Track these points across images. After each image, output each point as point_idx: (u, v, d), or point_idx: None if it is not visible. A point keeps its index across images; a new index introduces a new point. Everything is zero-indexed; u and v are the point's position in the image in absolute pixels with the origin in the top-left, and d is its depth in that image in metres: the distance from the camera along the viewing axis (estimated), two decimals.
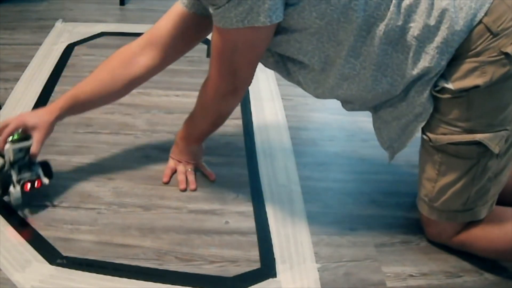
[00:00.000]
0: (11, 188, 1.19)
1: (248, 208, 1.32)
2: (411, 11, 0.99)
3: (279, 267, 1.16)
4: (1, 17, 2.22)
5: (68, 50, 1.98)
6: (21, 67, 1.85)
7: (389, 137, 1.17)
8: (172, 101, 1.73)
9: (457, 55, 1.01)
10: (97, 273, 1.10)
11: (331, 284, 1.13)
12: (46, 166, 1.26)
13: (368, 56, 1.03)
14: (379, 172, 1.47)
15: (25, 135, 1.22)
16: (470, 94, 1.02)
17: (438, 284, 1.15)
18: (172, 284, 1.10)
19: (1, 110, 1.61)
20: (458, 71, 1.01)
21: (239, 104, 1.70)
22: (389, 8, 0.98)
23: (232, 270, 1.14)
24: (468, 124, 1.04)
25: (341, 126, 1.67)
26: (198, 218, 1.28)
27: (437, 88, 1.04)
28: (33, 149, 1.21)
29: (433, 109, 1.07)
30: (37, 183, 1.22)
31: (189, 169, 1.37)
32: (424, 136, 1.12)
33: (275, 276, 1.13)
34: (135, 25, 2.24)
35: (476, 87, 1.00)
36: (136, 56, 1.25)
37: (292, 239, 1.23)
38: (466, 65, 1.00)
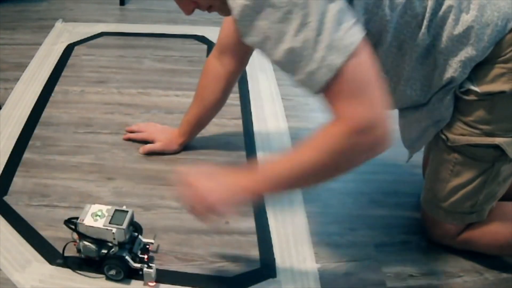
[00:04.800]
0: (145, 269, 1.07)
1: (248, 208, 1.32)
2: (438, 27, 0.96)
3: (279, 267, 1.16)
4: (1, 17, 2.22)
5: (68, 50, 1.98)
6: (21, 67, 1.84)
7: (410, 137, 1.17)
8: (172, 101, 1.73)
9: (485, 60, 0.99)
10: (97, 273, 1.10)
11: (331, 284, 1.13)
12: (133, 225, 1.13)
13: (398, 72, 1.02)
14: (379, 172, 1.47)
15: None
16: (495, 98, 1.01)
17: (438, 284, 1.15)
18: (172, 284, 1.10)
19: (1, 110, 1.61)
20: (486, 75, 1.00)
21: (239, 104, 1.71)
22: (419, 26, 0.95)
23: (232, 270, 1.14)
24: (489, 127, 1.03)
25: None
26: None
27: (462, 89, 1.03)
28: (148, 148, 1.46)
29: (455, 109, 1.06)
30: (149, 246, 1.14)
31: (226, 222, 1.20)
32: (442, 135, 1.10)
33: (275, 276, 1.13)
34: (135, 25, 2.24)
35: (502, 92, 0.99)
36: (219, 68, 1.35)
37: (292, 239, 1.23)
38: (495, 70, 0.99)
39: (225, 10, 0.92)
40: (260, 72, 1.88)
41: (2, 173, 1.37)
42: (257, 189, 0.93)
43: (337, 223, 1.29)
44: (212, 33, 2.17)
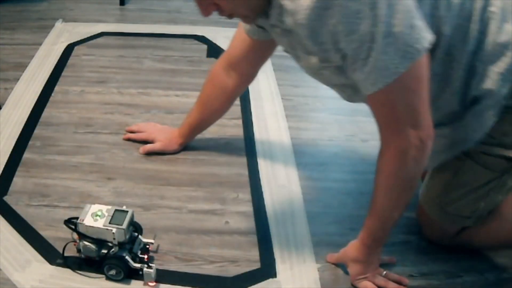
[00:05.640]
0: (145, 269, 1.07)
1: (248, 208, 1.32)
2: (482, 33, 0.94)
3: (279, 267, 1.16)
4: (1, 17, 2.22)
5: (68, 50, 1.98)
6: (21, 67, 1.84)
7: (433, 149, 1.11)
8: (172, 101, 1.73)
9: None
10: (97, 273, 1.10)
11: (331, 284, 1.13)
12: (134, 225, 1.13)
13: (445, 79, 0.99)
14: None
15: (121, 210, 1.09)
16: None
17: (438, 284, 1.15)
18: (172, 284, 1.10)
19: (1, 110, 1.61)
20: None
21: (239, 104, 1.71)
22: (467, 30, 0.93)
23: (232, 270, 1.14)
24: (508, 139, 1.03)
25: (341, 126, 1.67)
26: (198, 218, 1.28)
27: None
28: (148, 148, 1.45)
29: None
30: (149, 246, 1.13)
31: (383, 274, 1.13)
32: None
33: (275, 276, 1.14)
34: (135, 25, 2.24)
35: None
36: (224, 79, 1.33)
37: (292, 239, 1.23)
38: None
39: (250, 18, 0.92)
40: (260, 72, 1.88)
41: (2, 173, 1.37)
42: (374, 252, 1.09)
43: (337, 223, 1.29)
44: (212, 33, 2.18)
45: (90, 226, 1.05)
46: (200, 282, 1.11)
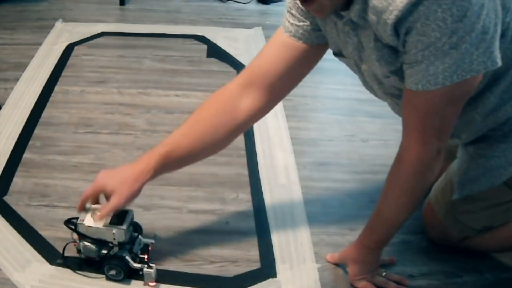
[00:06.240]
0: (145, 269, 1.06)
1: (248, 208, 1.32)
2: None
3: (279, 267, 1.16)
4: (1, 17, 2.22)
5: (68, 50, 1.98)
6: (21, 67, 1.84)
7: (467, 173, 1.07)
8: (172, 101, 1.73)
9: None
10: (97, 273, 1.10)
11: (331, 284, 1.13)
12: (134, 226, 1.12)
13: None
14: (379, 172, 1.47)
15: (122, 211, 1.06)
16: None
17: (438, 284, 1.15)
18: (172, 284, 1.10)
19: (1, 110, 1.61)
20: None
21: None
22: None
23: (232, 270, 1.14)
24: None
25: (341, 126, 1.67)
26: (198, 218, 1.28)
27: None
28: (103, 212, 1.03)
29: None
30: (150, 247, 1.12)
31: (383, 274, 1.12)
32: None
33: (275, 276, 1.13)
34: (135, 25, 2.24)
35: None
36: (237, 99, 1.04)
37: (292, 239, 1.23)
38: None
39: (327, 9, 0.85)
40: None
41: (2, 173, 1.37)
42: (374, 252, 1.09)
43: (337, 223, 1.29)
44: (212, 33, 2.18)
45: (90, 227, 1.05)
46: (200, 282, 1.11)
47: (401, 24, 0.79)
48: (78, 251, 1.10)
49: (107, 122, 1.60)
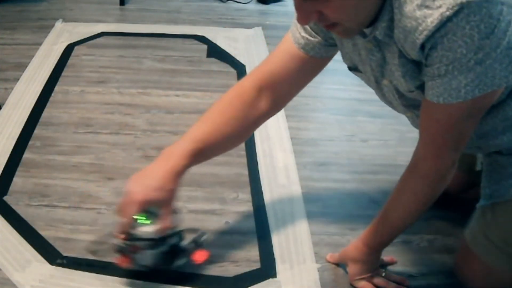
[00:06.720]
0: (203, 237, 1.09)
1: (248, 208, 1.32)
2: None
3: (279, 267, 1.16)
4: (1, 17, 2.22)
5: (68, 50, 1.98)
6: (21, 67, 1.85)
7: (498, 185, 1.04)
8: (172, 101, 1.73)
9: None
10: (97, 273, 1.10)
11: (331, 284, 1.13)
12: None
13: None
14: (379, 172, 1.47)
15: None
16: None
17: (438, 284, 1.15)
18: (172, 284, 1.10)
19: (1, 110, 1.61)
20: None
21: None
22: None
23: (232, 270, 1.14)
24: None
25: (341, 126, 1.67)
26: (198, 218, 1.28)
27: None
28: (164, 225, 1.01)
29: None
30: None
31: (383, 274, 1.12)
32: None
33: (275, 276, 1.13)
34: (135, 25, 2.24)
35: None
36: (254, 100, 1.07)
37: (292, 239, 1.23)
38: None
39: (353, 31, 0.85)
40: None
41: (2, 173, 1.37)
42: (375, 253, 1.09)
43: (337, 223, 1.29)
44: (212, 33, 2.18)
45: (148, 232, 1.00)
46: (200, 282, 1.11)
47: (428, 41, 0.78)
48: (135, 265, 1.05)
49: (107, 122, 1.60)
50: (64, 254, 1.14)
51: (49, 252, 1.15)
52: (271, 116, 1.12)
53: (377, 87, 1.00)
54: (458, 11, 0.73)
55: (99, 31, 2.14)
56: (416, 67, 0.86)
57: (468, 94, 0.81)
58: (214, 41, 2.12)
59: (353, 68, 1.02)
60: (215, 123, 1.06)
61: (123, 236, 1.01)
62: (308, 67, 1.04)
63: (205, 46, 2.08)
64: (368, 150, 1.56)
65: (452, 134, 0.89)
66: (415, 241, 1.25)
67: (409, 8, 0.77)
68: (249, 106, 1.07)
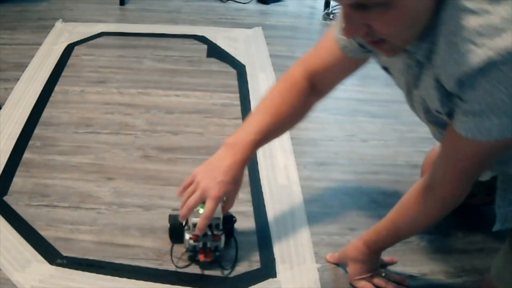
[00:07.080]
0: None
1: (248, 208, 1.32)
2: None
3: (279, 267, 1.16)
4: (1, 17, 2.22)
5: (68, 50, 1.98)
6: (21, 67, 1.85)
7: (508, 201, 1.03)
8: (172, 101, 1.73)
9: None
10: (97, 273, 1.10)
11: (331, 284, 1.13)
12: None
13: None
14: (379, 172, 1.47)
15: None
16: None
17: (438, 284, 1.15)
18: (172, 284, 1.10)
19: (1, 110, 1.61)
20: None
21: (239, 104, 1.71)
22: None
23: (232, 270, 1.14)
24: None
25: (341, 126, 1.67)
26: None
27: None
28: (227, 207, 1.12)
29: None
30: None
31: (383, 274, 1.13)
32: None
33: (275, 276, 1.13)
34: (135, 25, 2.24)
35: None
36: (307, 90, 1.14)
37: (292, 239, 1.23)
38: None
39: (399, 49, 0.82)
40: (260, 72, 1.88)
41: (2, 173, 1.37)
42: (375, 253, 1.11)
43: (337, 223, 1.29)
44: (212, 33, 2.18)
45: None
46: (200, 282, 1.11)
47: (467, 79, 0.75)
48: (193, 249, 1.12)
49: (107, 122, 1.60)
50: (64, 254, 1.14)
51: (49, 252, 1.15)
52: (315, 104, 1.20)
53: (408, 94, 0.98)
54: (507, 59, 0.70)
55: (99, 31, 2.14)
56: (448, 95, 0.83)
57: (499, 135, 0.79)
58: (214, 41, 2.12)
59: (386, 69, 1.00)
60: (275, 114, 1.12)
61: (193, 236, 1.09)
62: (347, 65, 1.09)
63: (205, 46, 2.08)
64: (368, 150, 1.56)
65: (473, 167, 0.89)
66: (415, 241, 1.25)
67: (454, 38, 0.74)
68: (303, 96, 1.13)
